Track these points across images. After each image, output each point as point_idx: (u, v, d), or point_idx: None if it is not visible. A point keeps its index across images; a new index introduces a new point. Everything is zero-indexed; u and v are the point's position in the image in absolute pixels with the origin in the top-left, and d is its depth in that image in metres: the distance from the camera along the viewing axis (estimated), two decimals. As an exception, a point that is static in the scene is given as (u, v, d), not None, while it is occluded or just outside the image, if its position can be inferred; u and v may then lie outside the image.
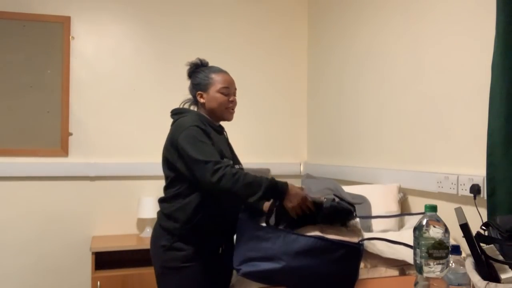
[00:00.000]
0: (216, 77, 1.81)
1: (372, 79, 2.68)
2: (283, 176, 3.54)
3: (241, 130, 3.48)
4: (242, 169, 1.79)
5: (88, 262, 3.03)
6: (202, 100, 1.81)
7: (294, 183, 3.43)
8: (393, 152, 2.47)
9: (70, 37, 3.16)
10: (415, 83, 2.28)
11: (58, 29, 3.13)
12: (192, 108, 1.89)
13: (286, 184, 1.60)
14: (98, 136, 3.18)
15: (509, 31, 1.55)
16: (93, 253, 2.83)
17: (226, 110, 1.81)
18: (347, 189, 2.36)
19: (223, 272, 1.80)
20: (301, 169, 3.63)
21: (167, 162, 1.75)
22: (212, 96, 1.79)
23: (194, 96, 1.85)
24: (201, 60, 1.88)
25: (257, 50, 3.54)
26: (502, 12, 1.57)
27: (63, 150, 3.11)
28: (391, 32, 2.49)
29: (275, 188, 1.57)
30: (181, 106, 1.88)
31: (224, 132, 1.91)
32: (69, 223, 3.12)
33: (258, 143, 3.53)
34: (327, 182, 2.47)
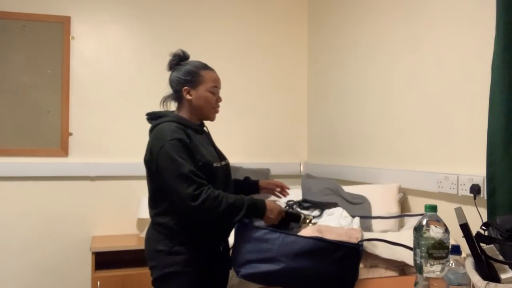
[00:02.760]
0: (206, 75, 1.74)
1: (372, 79, 2.68)
2: (283, 176, 3.54)
3: (241, 130, 3.48)
4: (227, 165, 1.79)
5: (88, 262, 3.03)
6: (188, 97, 1.72)
7: (294, 183, 3.43)
8: (393, 152, 2.47)
9: (70, 37, 3.15)
10: (415, 83, 2.27)
11: (58, 29, 3.13)
12: (171, 104, 1.81)
13: (263, 201, 1.64)
14: (98, 136, 3.18)
15: (509, 31, 1.55)
16: (93, 253, 2.83)
17: (213, 110, 1.76)
18: (347, 189, 2.36)
19: (223, 272, 1.80)
20: (301, 169, 3.63)
21: (149, 171, 1.70)
22: (201, 94, 1.72)
23: (178, 91, 1.75)
24: (183, 52, 1.79)
25: (257, 50, 3.54)
26: (502, 12, 1.57)
27: (63, 150, 3.11)
28: (391, 33, 2.49)
29: (255, 206, 1.61)
30: (161, 105, 1.80)
31: (205, 129, 1.84)
32: (69, 223, 3.12)
33: (258, 143, 3.53)
34: (327, 182, 2.48)
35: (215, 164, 1.68)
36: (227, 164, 1.81)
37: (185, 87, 1.73)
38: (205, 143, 1.74)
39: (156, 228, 1.69)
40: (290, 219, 1.70)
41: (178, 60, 1.78)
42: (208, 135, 1.85)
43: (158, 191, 1.68)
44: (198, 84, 1.72)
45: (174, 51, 1.79)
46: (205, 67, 1.77)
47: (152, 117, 1.77)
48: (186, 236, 1.66)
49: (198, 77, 1.72)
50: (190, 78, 1.73)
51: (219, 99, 1.78)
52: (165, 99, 1.82)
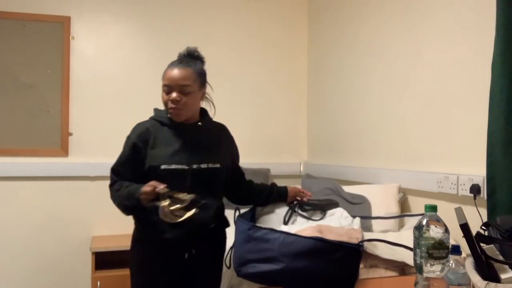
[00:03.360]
0: (164, 74, 1.71)
1: (372, 79, 2.68)
2: (283, 176, 3.54)
3: (241, 130, 3.48)
4: (215, 169, 1.73)
5: (88, 262, 3.03)
6: None
7: (294, 183, 3.44)
8: (393, 152, 2.47)
9: (70, 37, 3.15)
10: (415, 83, 2.28)
11: (58, 29, 3.13)
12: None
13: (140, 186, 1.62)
14: (98, 136, 3.18)
15: (509, 31, 1.55)
16: (93, 253, 2.83)
17: (168, 110, 1.70)
18: (347, 189, 2.36)
19: (189, 280, 1.75)
20: (301, 169, 3.63)
21: None
22: (162, 94, 1.71)
23: None
24: (181, 52, 1.79)
25: (257, 50, 3.54)
26: (502, 13, 1.57)
27: (63, 150, 3.11)
28: (391, 32, 2.49)
29: (132, 193, 1.62)
30: None
31: (197, 126, 1.76)
32: (69, 223, 3.12)
33: (258, 143, 3.53)
34: (327, 182, 2.48)
35: (163, 166, 1.64)
36: (208, 169, 1.72)
37: None
38: (176, 143, 1.69)
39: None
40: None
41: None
42: (196, 133, 1.76)
43: None
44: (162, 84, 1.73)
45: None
46: (169, 65, 1.73)
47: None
48: (141, 234, 1.74)
49: (162, 78, 1.72)
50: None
51: (171, 98, 1.67)
52: None
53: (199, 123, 1.79)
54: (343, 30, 3.04)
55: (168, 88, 1.68)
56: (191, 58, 1.77)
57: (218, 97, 3.40)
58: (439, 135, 2.10)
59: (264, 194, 1.93)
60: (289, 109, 3.62)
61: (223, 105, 3.67)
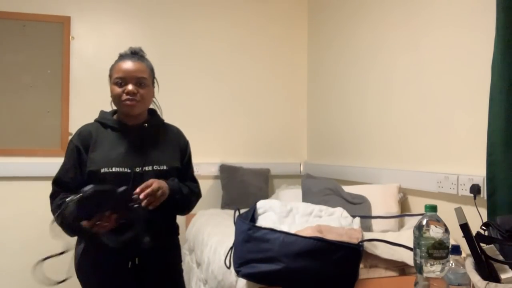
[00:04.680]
0: (114, 67, 1.64)
1: (372, 79, 2.68)
2: (283, 176, 3.55)
3: (241, 130, 3.48)
4: (161, 171, 1.64)
5: (88, 262, 3.03)
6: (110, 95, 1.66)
7: (294, 183, 3.42)
8: (393, 152, 2.47)
9: (70, 37, 3.15)
10: (415, 83, 2.28)
11: (58, 29, 3.13)
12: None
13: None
14: (98, 136, 3.18)
15: (509, 31, 1.55)
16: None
17: (122, 103, 1.61)
18: (347, 189, 2.36)
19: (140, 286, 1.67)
20: (301, 169, 3.63)
21: None
22: (110, 89, 1.64)
23: None
24: (121, 53, 1.71)
25: (257, 50, 3.54)
26: (502, 12, 1.57)
27: (63, 150, 3.09)
28: (391, 32, 2.49)
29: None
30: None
31: (142, 127, 1.69)
32: (69, 223, 3.11)
33: (258, 143, 3.53)
34: (327, 182, 2.48)
35: (103, 170, 1.56)
36: (155, 171, 1.63)
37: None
38: (119, 145, 1.62)
39: None
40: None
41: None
42: (145, 136, 1.68)
43: None
44: (110, 81, 1.66)
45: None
46: (117, 60, 1.68)
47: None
48: (84, 245, 1.64)
49: (110, 73, 1.67)
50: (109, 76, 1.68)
51: (127, 90, 1.60)
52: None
53: (145, 124, 1.70)
54: (343, 30, 3.04)
55: (122, 80, 1.61)
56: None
57: (217, 97, 3.42)
58: (439, 135, 2.10)
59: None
60: (289, 109, 3.62)
61: (223, 105, 3.66)
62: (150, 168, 1.63)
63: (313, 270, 1.43)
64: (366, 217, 2.14)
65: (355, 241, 1.54)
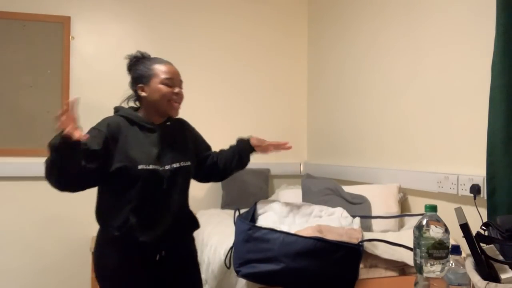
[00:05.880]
0: (158, 68, 1.67)
1: (372, 79, 2.68)
2: (283, 176, 3.55)
3: (241, 130, 3.48)
4: (186, 167, 1.70)
5: (88, 262, 3.03)
6: (143, 94, 1.67)
7: (294, 183, 3.42)
8: (393, 152, 2.47)
9: (70, 37, 3.16)
10: (415, 83, 2.28)
11: (58, 29, 3.13)
12: (132, 104, 1.77)
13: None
14: (98, 136, 3.18)
15: (509, 31, 1.55)
16: (93, 253, 2.82)
17: (169, 103, 1.66)
18: (347, 189, 2.36)
19: (162, 282, 1.71)
20: (301, 169, 3.63)
21: None
22: (154, 87, 1.65)
23: (135, 90, 1.71)
24: (142, 53, 1.73)
25: (257, 49, 3.54)
26: (502, 13, 1.57)
27: (63, 150, 3.11)
28: (391, 32, 2.49)
29: (53, 141, 1.40)
30: (121, 104, 1.76)
31: (166, 126, 1.72)
32: (69, 223, 3.12)
33: (258, 143, 3.53)
34: (327, 182, 2.48)
35: (140, 167, 1.58)
36: (182, 167, 1.69)
37: (139, 85, 1.68)
38: (149, 143, 1.64)
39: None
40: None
41: (135, 60, 1.73)
42: (168, 134, 1.72)
43: None
44: (151, 79, 1.66)
45: (132, 53, 1.74)
46: (158, 61, 1.70)
47: (114, 110, 1.74)
48: (114, 238, 1.61)
49: (150, 72, 1.67)
50: (142, 74, 1.68)
51: (176, 91, 1.67)
52: (127, 100, 1.77)
53: (168, 123, 1.74)
54: (343, 30, 3.04)
55: (170, 82, 1.66)
56: None
57: (217, 97, 3.42)
58: (439, 135, 2.10)
59: (234, 159, 1.90)
60: (289, 109, 3.62)
61: (223, 106, 3.66)
62: (178, 165, 1.68)
63: (313, 270, 1.44)
64: (366, 217, 2.14)
65: (355, 241, 1.54)
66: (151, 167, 1.60)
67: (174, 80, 1.68)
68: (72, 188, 1.58)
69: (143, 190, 1.60)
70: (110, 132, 1.59)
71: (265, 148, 1.94)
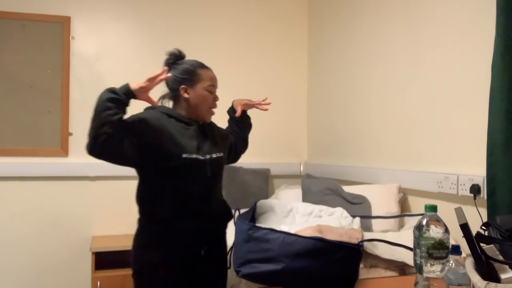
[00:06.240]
0: (204, 74, 1.73)
1: (372, 79, 2.68)
2: (283, 176, 3.55)
3: (241, 130, 3.48)
4: (217, 158, 1.74)
5: (88, 262, 3.03)
6: (186, 95, 1.71)
7: (294, 183, 3.42)
8: (393, 152, 2.47)
9: (70, 37, 3.15)
10: (415, 83, 2.28)
11: (58, 29, 3.13)
12: (166, 104, 1.80)
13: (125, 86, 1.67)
14: (98, 136, 3.18)
15: (509, 31, 1.55)
16: (93, 253, 2.83)
17: (209, 109, 1.76)
18: (347, 189, 2.36)
19: (205, 278, 1.72)
20: (301, 169, 3.63)
21: None
22: (199, 93, 1.72)
23: (175, 89, 1.74)
24: (179, 51, 1.79)
25: (257, 50, 3.54)
26: (502, 13, 1.57)
27: (63, 150, 3.11)
28: (391, 32, 2.49)
29: (117, 91, 1.64)
30: (158, 103, 1.77)
31: (203, 124, 1.78)
32: (69, 223, 3.12)
33: (258, 143, 3.52)
34: (327, 182, 2.48)
35: (185, 155, 1.61)
36: (218, 158, 1.75)
37: (183, 86, 1.72)
38: (188, 135, 1.68)
39: (139, 219, 1.72)
40: None
41: (175, 59, 1.78)
42: (203, 127, 1.77)
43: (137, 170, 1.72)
44: (196, 83, 1.72)
45: (171, 50, 1.78)
46: (202, 66, 1.77)
47: (146, 108, 1.76)
48: (160, 231, 1.63)
49: (196, 76, 1.72)
50: (187, 77, 1.72)
51: (216, 98, 1.78)
52: (162, 98, 1.81)
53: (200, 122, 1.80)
54: (343, 30, 3.04)
55: (213, 88, 1.76)
56: None
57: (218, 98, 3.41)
58: (439, 135, 2.10)
59: (240, 129, 2.07)
60: (289, 109, 3.62)
61: (222, 105, 3.66)
62: (215, 155, 1.74)
63: (313, 270, 1.44)
64: (366, 217, 2.14)
65: (355, 241, 1.54)
66: (194, 156, 1.64)
67: (215, 87, 1.77)
68: (103, 147, 1.65)
69: (188, 179, 1.63)
70: (151, 121, 1.62)
71: (245, 106, 2.07)
